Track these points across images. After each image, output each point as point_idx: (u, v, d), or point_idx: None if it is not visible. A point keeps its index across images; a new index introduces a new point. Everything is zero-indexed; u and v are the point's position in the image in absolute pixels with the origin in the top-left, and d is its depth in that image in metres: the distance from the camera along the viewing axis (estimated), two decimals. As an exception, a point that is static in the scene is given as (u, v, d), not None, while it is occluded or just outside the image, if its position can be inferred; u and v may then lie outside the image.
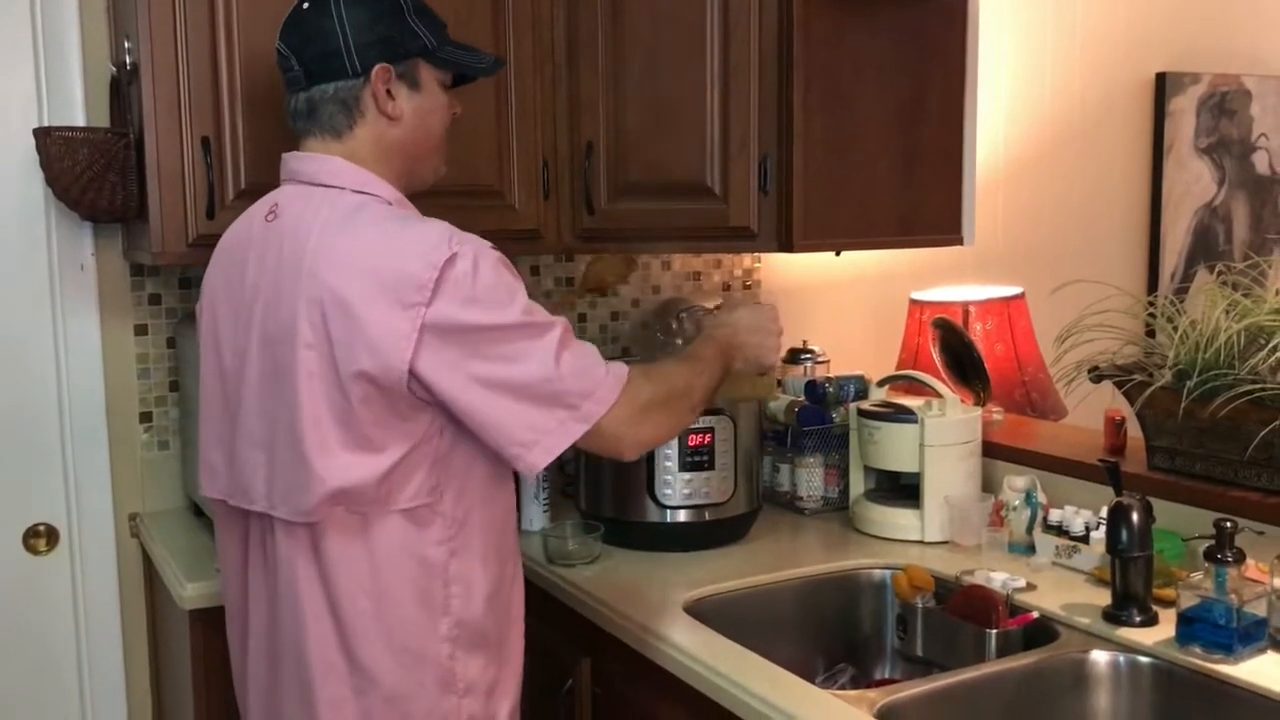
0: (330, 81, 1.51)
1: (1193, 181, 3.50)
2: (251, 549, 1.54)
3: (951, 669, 1.63)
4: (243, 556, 1.57)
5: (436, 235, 1.40)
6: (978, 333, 2.59)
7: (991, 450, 2.19)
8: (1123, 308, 2.01)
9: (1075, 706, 1.60)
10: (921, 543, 2.07)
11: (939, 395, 2.14)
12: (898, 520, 2.10)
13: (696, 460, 2.01)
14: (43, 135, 2.03)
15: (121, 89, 2.07)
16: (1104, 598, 1.69)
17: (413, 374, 1.36)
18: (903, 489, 2.16)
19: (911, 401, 2.17)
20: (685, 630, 1.68)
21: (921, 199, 2.25)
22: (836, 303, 2.87)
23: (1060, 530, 1.91)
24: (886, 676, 1.94)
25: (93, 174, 2.00)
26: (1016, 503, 2.00)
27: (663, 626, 1.69)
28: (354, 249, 1.40)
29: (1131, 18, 3.34)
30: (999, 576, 1.81)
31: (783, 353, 1.83)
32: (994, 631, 1.68)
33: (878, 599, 1.97)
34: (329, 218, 1.44)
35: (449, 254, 1.37)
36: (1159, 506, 1.72)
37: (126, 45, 2.01)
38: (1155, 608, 1.65)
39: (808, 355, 2.52)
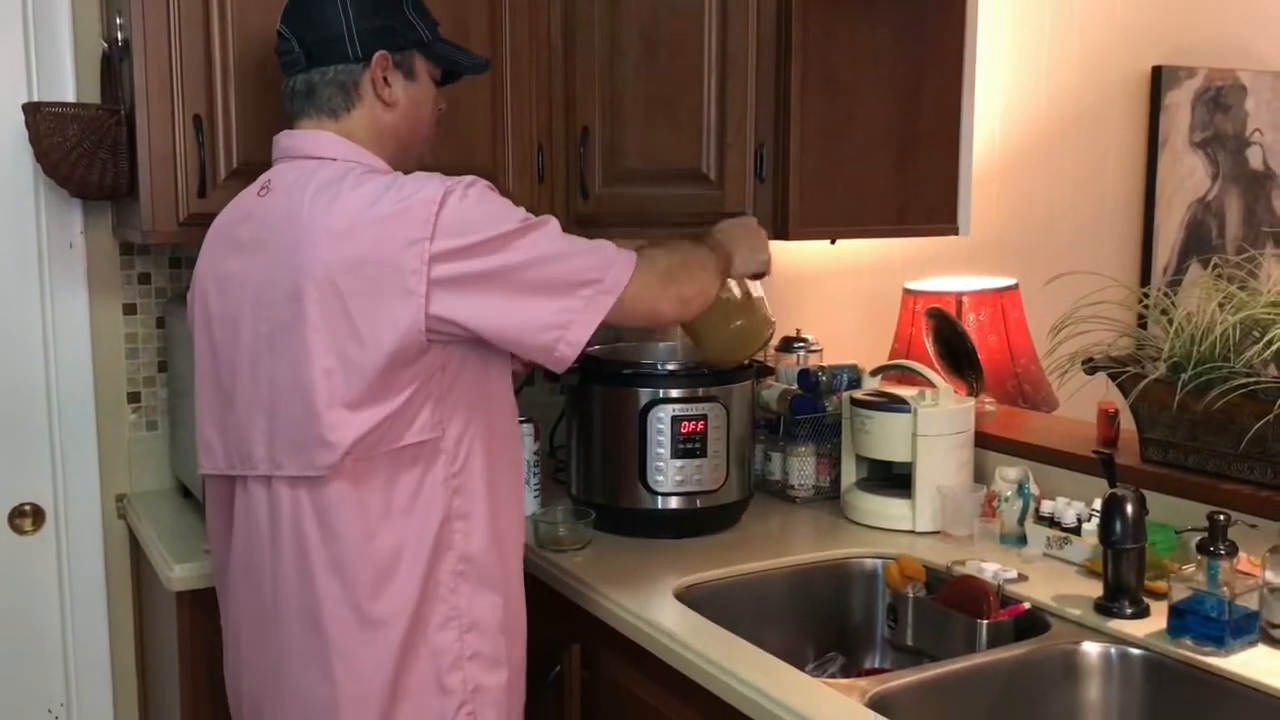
0: (330, 65, 1.57)
1: (1187, 176, 3.50)
2: (248, 520, 1.55)
3: (942, 659, 1.63)
4: (243, 529, 1.57)
5: (429, 176, 1.46)
6: (971, 323, 2.58)
7: (984, 441, 2.19)
8: (1117, 299, 2.01)
9: (1066, 698, 1.60)
10: (913, 532, 2.06)
11: (932, 385, 2.14)
12: (889, 510, 2.10)
13: (689, 447, 2.01)
14: (32, 111, 2.00)
15: (113, 65, 2.05)
16: (1095, 589, 1.69)
17: (430, 315, 1.41)
18: (894, 479, 2.16)
19: (904, 391, 2.17)
20: (676, 617, 1.68)
21: (917, 188, 2.24)
22: (830, 292, 2.86)
23: (1052, 521, 1.91)
24: (876, 666, 1.94)
25: (82, 151, 1.98)
26: (1008, 494, 2.00)
27: (653, 613, 1.69)
28: (350, 207, 1.44)
29: (1128, 11, 3.33)
30: (990, 567, 1.81)
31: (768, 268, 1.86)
32: (985, 622, 1.68)
33: (868, 588, 1.97)
34: (324, 180, 1.49)
35: (444, 188, 1.43)
36: (1151, 499, 1.72)
37: (118, 21, 1.99)
38: (1146, 600, 1.65)
39: (801, 344, 2.51)
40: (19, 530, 2.23)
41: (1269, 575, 1.55)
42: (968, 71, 2.28)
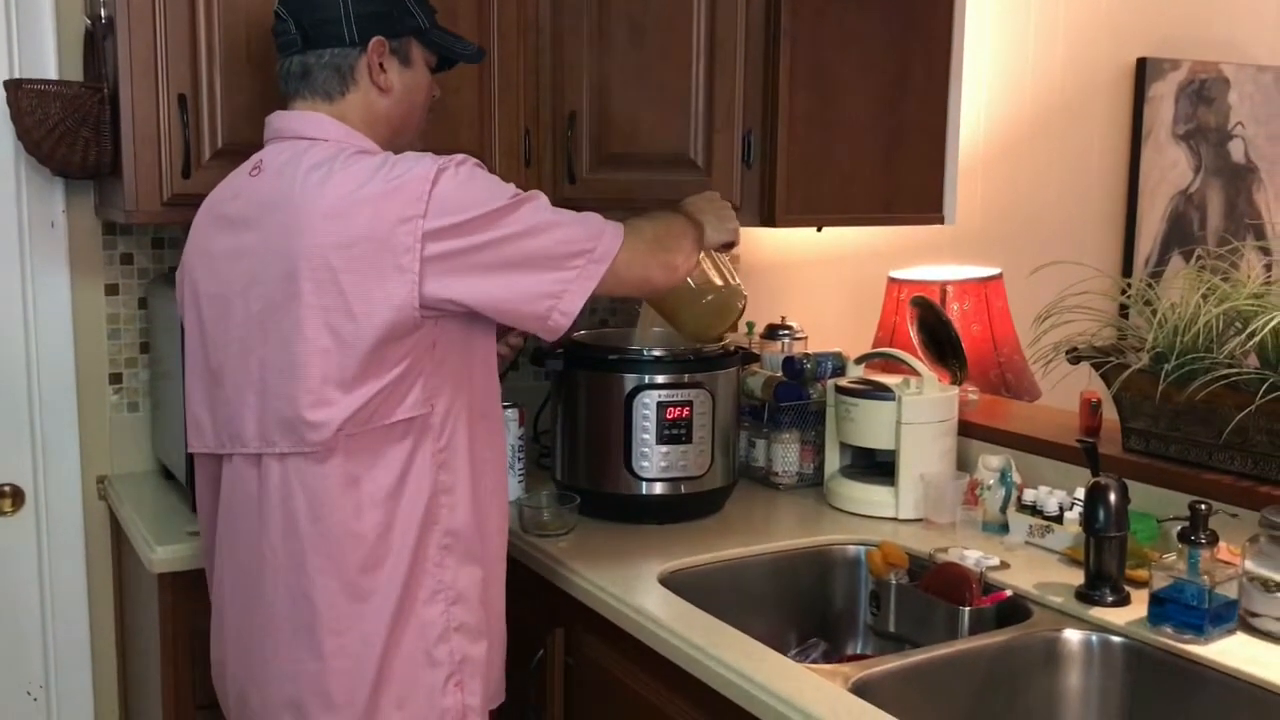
0: (327, 48, 1.57)
1: (1170, 167, 3.52)
2: (235, 497, 1.56)
3: (924, 646, 1.64)
4: (231, 506, 1.58)
5: (421, 157, 1.47)
6: (955, 312, 2.59)
7: (967, 429, 2.20)
8: (1101, 290, 2.02)
9: (1047, 684, 1.61)
10: (896, 520, 2.07)
11: (916, 374, 2.15)
12: (872, 497, 2.10)
13: (674, 433, 2.01)
14: (13, 88, 1.98)
15: (96, 42, 2.03)
16: (1076, 577, 1.71)
17: (424, 292, 1.43)
18: (878, 466, 2.17)
19: (889, 379, 2.17)
20: (660, 602, 1.68)
21: (904, 177, 2.25)
22: (815, 279, 2.87)
23: (1034, 510, 1.92)
24: (859, 652, 1.95)
25: (65, 129, 1.96)
26: (991, 482, 2.01)
27: (637, 598, 1.69)
28: (343, 185, 1.45)
29: (1114, 2, 3.34)
30: (973, 554, 1.82)
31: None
32: (967, 609, 1.69)
33: (851, 575, 1.98)
34: (316, 159, 1.49)
35: (436, 166, 1.44)
36: (1133, 488, 1.73)
37: (102, -2, 1.97)
38: (1127, 588, 1.66)
39: (786, 331, 2.52)
40: (-2, 511, 2.22)
41: (1248, 564, 1.57)
42: (955, 61, 2.29)
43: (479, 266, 1.45)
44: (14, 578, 2.23)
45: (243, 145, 1.86)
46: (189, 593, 1.86)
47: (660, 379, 2.01)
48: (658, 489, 2.03)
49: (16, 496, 2.22)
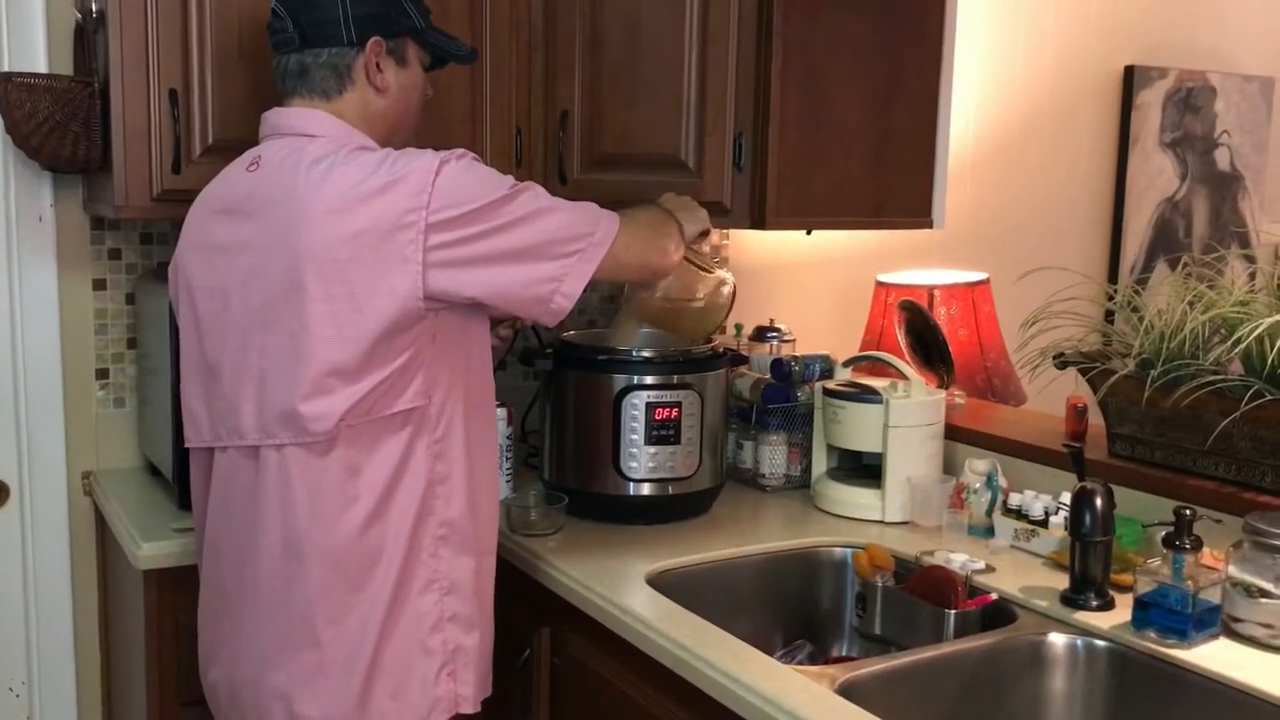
0: (324, 47, 1.59)
1: (1156, 175, 3.54)
2: (230, 489, 1.56)
3: (909, 648, 1.65)
4: (225, 499, 1.58)
5: (421, 152, 1.50)
6: (942, 317, 2.60)
7: (954, 433, 2.21)
8: (1087, 295, 2.03)
9: (1031, 688, 1.62)
10: (882, 522, 2.08)
11: (904, 377, 2.15)
12: (859, 499, 2.11)
13: (662, 434, 2.01)
14: (3, 81, 1.97)
15: (87, 36, 2.02)
16: (1061, 581, 1.71)
17: (428, 283, 1.45)
18: (865, 469, 2.18)
19: (876, 382, 2.18)
20: (647, 602, 1.68)
21: (893, 180, 2.25)
22: (803, 282, 2.88)
23: (1020, 514, 1.93)
24: (844, 654, 1.95)
25: (54, 123, 1.95)
26: (977, 485, 2.02)
27: (624, 598, 1.69)
28: (345, 180, 1.46)
29: (1103, 10, 3.36)
30: (958, 558, 1.82)
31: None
32: (952, 612, 1.70)
33: (837, 577, 1.98)
34: (317, 154, 1.50)
35: (439, 159, 1.47)
36: (1118, 493, 1.74)
37: (93, -8, 1.96)
38: (1112, 593, 1.67)
39: (774, 334, 2.52)
40: (-18, 506, 2.21)
41: (1232, 570, 1.58)
42: (946, 65, 2.30)
43: (482, 256, 1.47)
44: (-2, 573, 2.22)
45: (234, 141, 1.86)
46: (174, 589, 1.85)
47: (649, 380, 2.01)
48: (645, 489, 2.04)
49: (1, 491, 2.21)
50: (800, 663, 1.89)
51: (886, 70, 2.21)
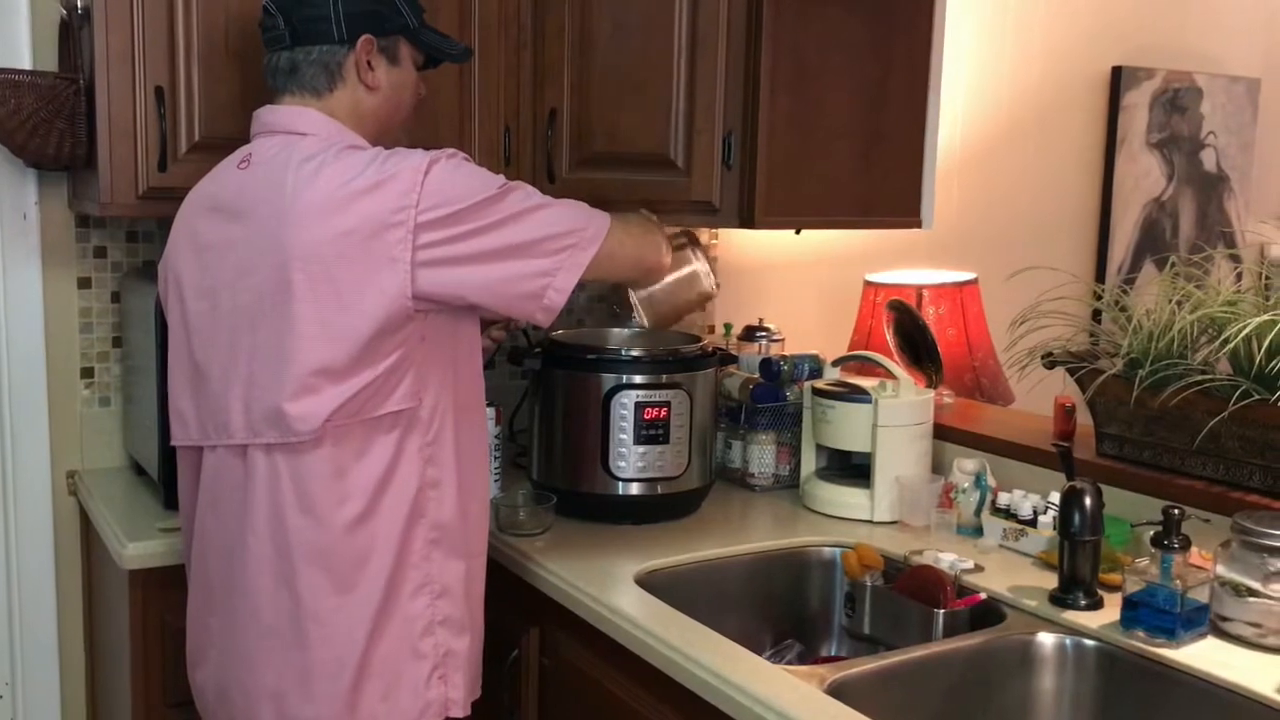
0: (315, 44, 1.58)
1: (1143, 176, 3.55)
2: (219, 488, 1.55)
3: (898, 648, 1.64)
4: (213, 498, 1.57)
5: (411, 152, 1.49)
6: (930, 316, 2.60)
7: (942, 433, 2.21)
8: (1076, 295, 2.03)
9: (1020, 687, 1.62)
10: (871, 522, 2.08)
11: (893, 376, 2.16)
12: (848, 499, 2.11)
13: (651, 434, 2.01)
14: (-13, 77, 1.96)
15: (72, 33, 2.01)
16: (1050, 581, 1.72)
17: (416, 283, 1.44)
18: (854, 468, 2.17)
19: (865, 382, 2.18)
20: (636, 602, 1.68)
21: (882, 180, 2.25)
22: (792, 282, 2.87)
23: (1008, 513, 1.93)
24: (833, 654, 1.95)
25: (39, 120, 1.94)
26: (966, 485, 2.02)
27: (613, 598, 1.69)
28: (334, 178, 1.45)
29: (1091, 11, 3.37)
30: (947, 557, 1.82)
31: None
32: (941, 611, 1.70)
33: (826, 576, 1.98)
34: (307, 152, 1.50)
35: (428, 159, 1.46)
36: (1106, 493, 1.73)
37: (78, -12, 1.95)
38: (1101, 592, 1.67)
39: (763, 333, 2.52)
40: (-34, 506, 2.19)
41: (1220, 569, 1.58)
42: (935, 65, 2.30)
43: (471, 255, 1.47)
44: (-19, 573, 2.21)
45: (220, 139, 1.86)
46: (160, 589, 1.84)
47: (638, 379, 2.00)
48: (634, 489, 2.03)
49: (-15, 491, 2.20)
50: (789, 663, 1.89)
51: (876, 70, 2.21)
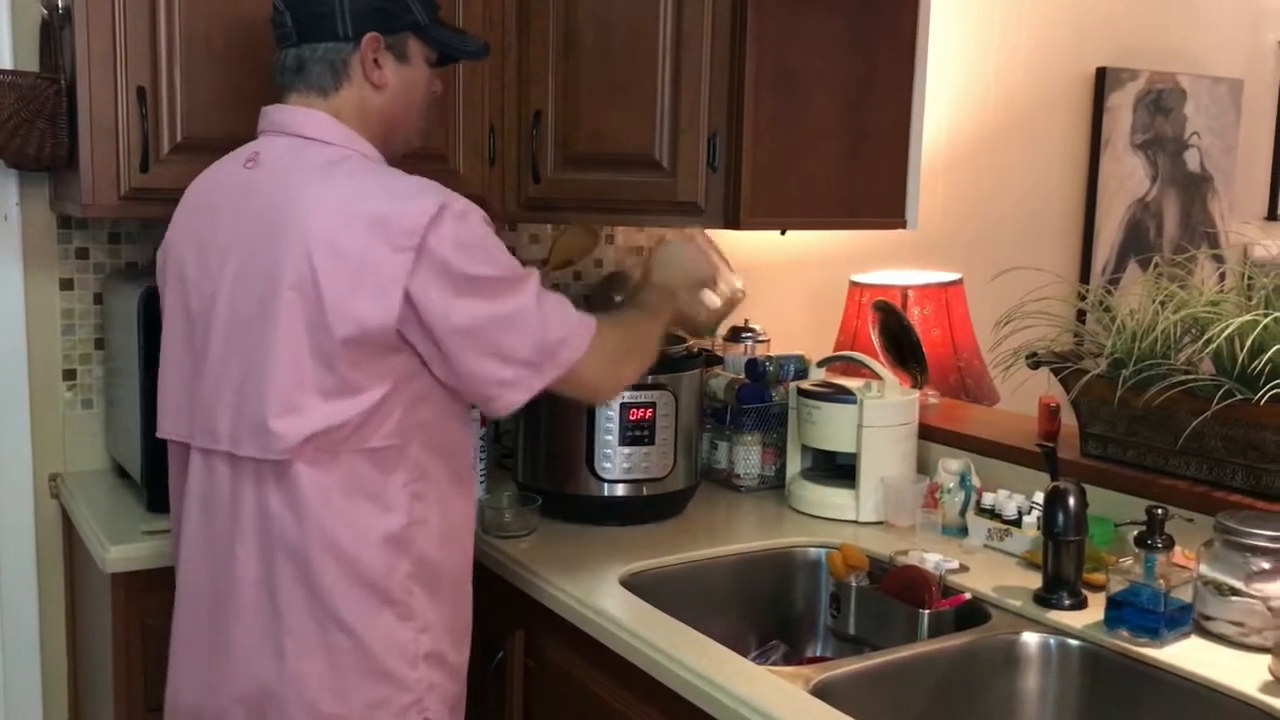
0: (320, 41, 1.55)
1: (1127, 176, 3.57)
2: (210, 493, 1.53)
3: (883, 648, 1.65)
4: (203, 503, 1.54)
5: (427, 185, 1.45)
6: (915, 317, 2.61)
7: (927, 433, 2.21)
8: (1060, 295, 2.03)
9: (1005, 687, 1.62)
10: (856, 522, 2.08)
11: (878, 377, 2.16)
12: (833, 500, 2.11)
13: (637, 435, 2.00)
14: (-33, 78, 1.95)
15: (52, 32, 1.99)
16: (1035, 581, 1.72)
17: (401, 322, 1.40)
18: (839, 469, 2.18)
19: (850, 382, 2.18)
20: (621, 603, 1.68)
21: (867, 181, 2.25)
22: (778, 283, 2.87)
23: (993, 514, 1.94)
24: (818, 654, 1.95)
25: (20, 120, 1.92)
26: (951, 485, 2.02)
27: (599, 599, 1.68)
28: (343, 195, 1.43)
29: (1075, 12, 3.38)
30: (932, 557, 1.83)
31: (726, 283, 1.90)
32: (926, 612, 1.70)
33: (812, 577, 1.98)
34: (316, 164, 1.47)
35: (440, 202, 1.42)
36: (1090, 492, 1.74)
37: (59, -13, 1.94)
38: (1085, 592, 1.67)
39: (748, 334, 2.52)
40: (-53, 509, 2.17)
41: (1203, 568, 1.59)
42: (919, 66, 2.30)
43: (450, 330, 1.42)
44: (-38, 577, 2.19)
45: (203, 140, 1.85)
46: (142, 593, 1.83)
47: (623, 380, 2.00)
48: (620, 490, 2.03)
49: (-35, 494, 2.18)
50: (774, 663, 1.89)
51: (860, 71, 2.21)
